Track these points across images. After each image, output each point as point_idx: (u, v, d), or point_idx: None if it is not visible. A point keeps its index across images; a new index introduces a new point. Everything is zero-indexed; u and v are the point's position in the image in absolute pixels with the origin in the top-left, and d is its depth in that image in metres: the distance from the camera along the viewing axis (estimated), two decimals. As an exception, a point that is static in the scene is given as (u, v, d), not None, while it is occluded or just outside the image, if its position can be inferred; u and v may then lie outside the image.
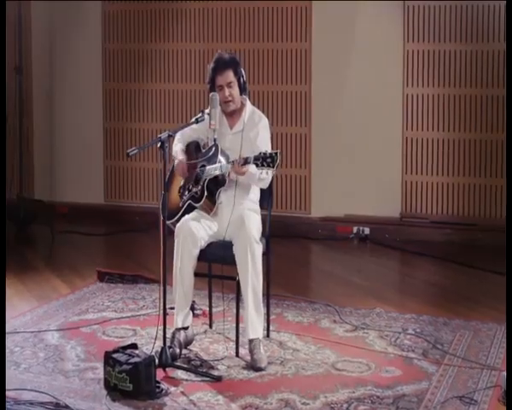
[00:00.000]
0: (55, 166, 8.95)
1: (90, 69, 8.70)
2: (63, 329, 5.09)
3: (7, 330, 4.97)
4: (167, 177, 4.92)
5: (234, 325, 4.71)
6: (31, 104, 8.88)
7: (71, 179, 8.86)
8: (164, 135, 4.32)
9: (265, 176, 4.58)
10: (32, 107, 8.90)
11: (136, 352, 4.18)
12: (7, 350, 4.67)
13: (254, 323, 4.56)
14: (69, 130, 8.83)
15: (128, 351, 4.18)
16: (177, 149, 4.86)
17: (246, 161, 4.46)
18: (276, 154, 4.32)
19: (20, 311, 5.45)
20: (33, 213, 8.09)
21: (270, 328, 5.01)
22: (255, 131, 4.77)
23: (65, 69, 8.80)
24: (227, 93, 4.71)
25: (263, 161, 4.33)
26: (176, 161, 4.83)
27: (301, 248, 7.49)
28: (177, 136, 4.88)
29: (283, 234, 7.57)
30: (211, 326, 5.13)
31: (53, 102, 8.90)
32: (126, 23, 8.54)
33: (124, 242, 7.73)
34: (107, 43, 8.64)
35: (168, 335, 4.61)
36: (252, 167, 4.51)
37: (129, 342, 4.73)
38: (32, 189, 8.96)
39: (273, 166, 4.32)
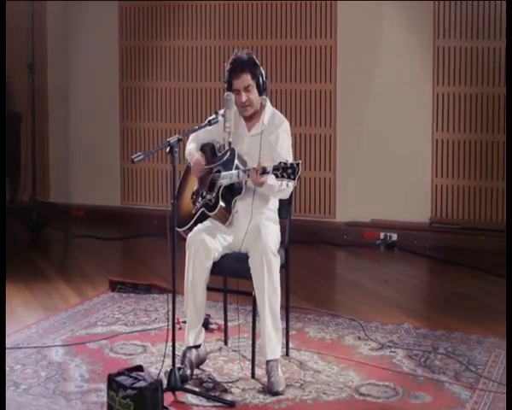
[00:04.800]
0: (70, 167, 8.68)
1: (106, 67, 8.42)
2: (68, 344, 4.77)
3: (9, 346, 4.68)
4: (180, 180, 4.63)
5: (250, 342, 4.38)
6: (46, 103, 8.62)
7: (87, 181, 8.58)
8: (173, 139, 4.00)
9: (285, 187, 4.24)
10: (47, 106, 8.64)
11: (143, 375, 3.84)
12: (7, 368, 4.38)
13: (273, 343, 4.22)
14: (85, 130, 8.55)
15: (133, 374, 3.85)
16: (191, 147, 4.53)
17: (264, 171, 4.11)
18: (297, 164, 3.95)
19: (25, 323, 5.15)
20: (47, 216, 7.80)
21: (290, 345, 4.67)
22: (275, 135, 4.41)
23: (81, 67, 8.52)
24: (244, 98, 4.36)
25: (283, 171, 3.97)
26: (193, 159, 4.47)
27: (325, 255, 7.14)
28: (191, 137, 4.57)
29: (306, 240, 7.29)
30: (226, 343, 4.79)
31: (68, 101, 8.62)
32: (143, 20, 8.24)
33: (140, 247, 7.44)
34: (123, 41, 8.35)
35: (179, 353, 4.30)
36: (271, 178, 4.16)
37: (137, 361, 4.48)
38: (48, 191, 8.70)
39: (294, 178, 3.95)
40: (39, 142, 8.39)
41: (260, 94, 4.43)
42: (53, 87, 8.63)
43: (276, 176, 3.99)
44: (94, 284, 6.07)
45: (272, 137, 4.42)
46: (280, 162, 4.00)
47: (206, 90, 8.03)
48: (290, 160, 4.13)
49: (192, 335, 4.33)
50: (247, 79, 4.34)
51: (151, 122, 8.30)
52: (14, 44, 8.59)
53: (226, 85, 4.42)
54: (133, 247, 7.51)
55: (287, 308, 4.61)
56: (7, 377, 4.25)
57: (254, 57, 4.43)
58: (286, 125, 4.48)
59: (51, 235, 7.77)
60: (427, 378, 4.29)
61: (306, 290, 5.85)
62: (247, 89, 4.35)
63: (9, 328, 4.99)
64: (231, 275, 4.45)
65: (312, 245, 7.29)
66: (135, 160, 3.91)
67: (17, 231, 7.77)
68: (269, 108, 4.51)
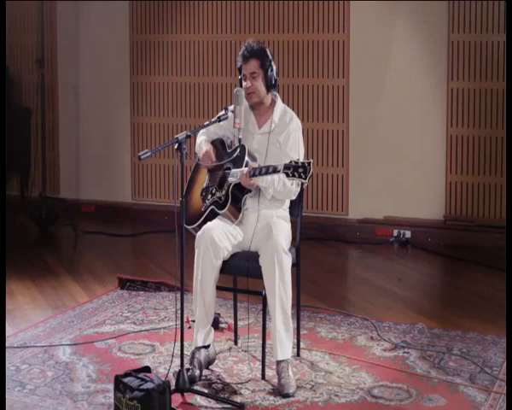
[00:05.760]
0: (80, 163, 8.60)
1: (116, 62, 8.34)
2: (76, 343, 4.69)
3: (16, 345, 4.63)
4: (189, 176, 4.56)
5: (261, 342, 4.28)
6: (56, 98, 8.57)
7: (97, 177, 8.51)
8: (181, 135, 3.92)
9: (292, 188, 4.19)
10: (57, 101, 8.59)
11: (150, 376, 3.76)
12: (13, 368, 4.32)
13: (283, 343, 4.13)
14: (95, 125, 8.48)
15: (140, 375, 3.77)
16: (202, 139, 4.45)
17: (267, 171, 4.03)
18: (308, 164, 3.86)
19: (32, 322, 5.08)
20: (56, 212, 7.73)
21: (301, 345, 4.58)
22: (286, 134, 4.33)
23: (91, 62, 8.45)
24: (248, 84, 4.30)
25: (294, 170, 3.88)
26: (202, 152, 4.39)
27: (337, 253, 7.03)
28: (201, 131, 4.47)
29: (318, 237, 7.23)
30: (236, 343, 4.70)
31: (79, 96, 8.55)
32: (154, 14, 8.15)
33: (150, 243, 7.35)
34: (134, 35, 8.26)
35: (188, 353, 4.23)
36: (261, 180, 4.12)
37: (146, 361, 4.42)
38: (58, 187, 8.64)
39: (305, 178, 3.86)
40: (49, 137, 8.34)
41: (268, 88, 4.35)
42: (63, 82, 8.57)
43: (287, 175, 3.90)
44: (103, 282, 6.00)
45: (282, 136, 4.34)
46: (291, 161, 3.91)
47: (218, 84, 7.94)
48: (301, 159, 4.04)
49: (201, 335, 4.25)
50: (254, 64, 4.28)
51: (162, 117, 8.21)
52: (23, 39, 8.55)
53: (240, 74, 4.36)
54: (143, 243, 7.42)
55: (298, 307, 4.53)
56: (13, 377, 4.19)
57: (267, 49, 4.36)
58: (297, 123, 4.40)
59: (60, 231, 7.71)
60: (441, 380, 4.19)
61: (318, 289, 5.77)
62: (252, 75, 4.29)
63: (16, 326, 4.95)
64: (241, 274, 4.35)
65: (324, 242, 7.20)
66: (142, 157, 3.83)
67: (26, 228, 7.72)
68: (279, 106, 4.43)
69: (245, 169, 4.16)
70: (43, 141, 7.95)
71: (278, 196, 4.28)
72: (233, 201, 4.25)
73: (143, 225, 7.80)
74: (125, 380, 3.73)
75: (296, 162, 3.88)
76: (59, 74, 8.57)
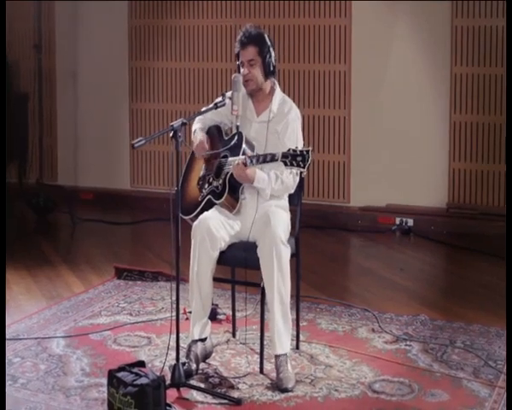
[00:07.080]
0: (78, 149, 8.49)
1: (115, 47, 8.22)
2: (70, 336, 4.58)
3: (8, 337, 4.51)
4: (186, 164, 4.43)
5: (259, 334, 4.17)
6: (54, 84, 8.46)
7: (96, 164, 8.40)
8: (177, 123, 3.80)
9: (290, 184, 4.11)
10: (55, 87, 8.48)
11: (144, 371, 3.65)
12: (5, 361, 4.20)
13: (282, 336, 4.02)
14: (94, 111, 8.37)
15: (135, 369, 3.66)
16: (197, 127, 4.31)
17: (265, 159, 3.92)
18: (307, 151, 3.75)
19: (26, 312, 4.97)
20: (54, 200, 7.62)
21: (301, 338, 4.47)
22: (284, 124, 4.20)
23: (90, 47, 8.32)
24: (246, 71, 4.18)
25: (292, 159, 3.77)
26: (196, 140, 4.26)
27: (338, 241, 6.92)
28: (197, 118, 4.35)
29: (319, 225, 7.13)
30: (234, 335, 4.59)
31: (77, 81, 8.43)
32: (153, -2, 8.04)
33: (149, 232, 7.24)
34: (133, 20, 8.13)
35: (185, 345, 4.13)
36: (260, 181, 4.05)
37: (141, 354, 4.33)
38: (56, 174, 8.54)
39: (303, 166, 3.76)
40: (47, 123, 8.23)
41: (266, 75, 4.23)
42: (61, 68, 8.47)
43: (285, 163, 3.79)
44: (99, 271, 5.89)
45: (280, 126, 4.22)
46: (289, 149, 3.80)
47: (218, 70, 7.82)
48: (300, 147, 3.92)
49: (198, 327, 4.14)
50: (251, 51, 4.16)
51: (161, 103, 8.10)
52: (21, 25, 8.42)
53: (238, 61, 4.24)
54: (142, 232, 7.32)
55: (297, 298, 4.42)
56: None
57: (265, 35, 4.23)
58: (296, 112, 4.28)
59: (58, 219, 7.61)
60: (443, 375, 4.08)
61: (318, 279, 5.67)
62: (250, 62, 4.17)
63: (10, 317, 4.84)
64: (239, 265, 4.24)
65: (325, 231, 7.10)
66: (135, 145, 3.71)
67: (23, 215, 7.62)
68: (278, 94, 4.30)
69: (242, 157, 4.04)
70: (40, 127, 7.86)
71: (277, 194, 4.17)
72: (230, 190, 4.13)
73: (142, 213, 7.70)
74: (119, 375, 3.62)
75: (294, 150, 3.78)
76: (57, 59, 8.46)
